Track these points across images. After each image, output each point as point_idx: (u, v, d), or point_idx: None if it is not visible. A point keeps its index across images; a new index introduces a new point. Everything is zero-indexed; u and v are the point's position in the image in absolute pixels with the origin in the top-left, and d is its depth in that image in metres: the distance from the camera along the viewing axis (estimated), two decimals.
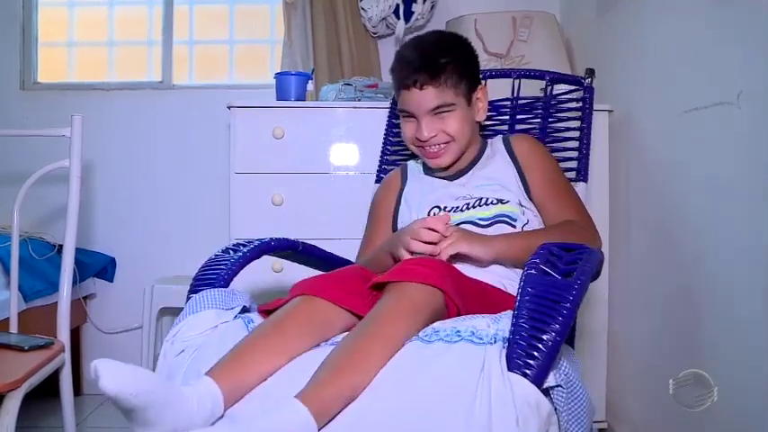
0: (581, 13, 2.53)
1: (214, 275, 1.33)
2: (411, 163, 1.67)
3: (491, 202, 1.44)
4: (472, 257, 1.31)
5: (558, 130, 1.78)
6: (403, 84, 1.43)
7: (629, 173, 2.04)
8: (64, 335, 1.68)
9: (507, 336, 0.98)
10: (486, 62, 2.35)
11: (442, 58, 1.41)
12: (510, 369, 0.94)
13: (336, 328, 1.15)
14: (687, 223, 1.69)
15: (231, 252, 1.40)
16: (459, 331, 1.02)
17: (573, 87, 1.79)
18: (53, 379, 1.61)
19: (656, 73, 1.88)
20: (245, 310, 1.29)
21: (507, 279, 1.33)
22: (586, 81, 1.75)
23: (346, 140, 2.16)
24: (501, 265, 1.35)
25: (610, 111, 2.08)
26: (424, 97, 1.42)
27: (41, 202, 2.48)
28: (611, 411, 2.11)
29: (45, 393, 1.71)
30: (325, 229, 2.07)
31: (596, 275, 1.24)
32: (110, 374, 0.84)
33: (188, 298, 1.28)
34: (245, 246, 1.42)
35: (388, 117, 1.95)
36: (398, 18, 2.58)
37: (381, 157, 1.92)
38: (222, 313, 1.22)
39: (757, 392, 1.37)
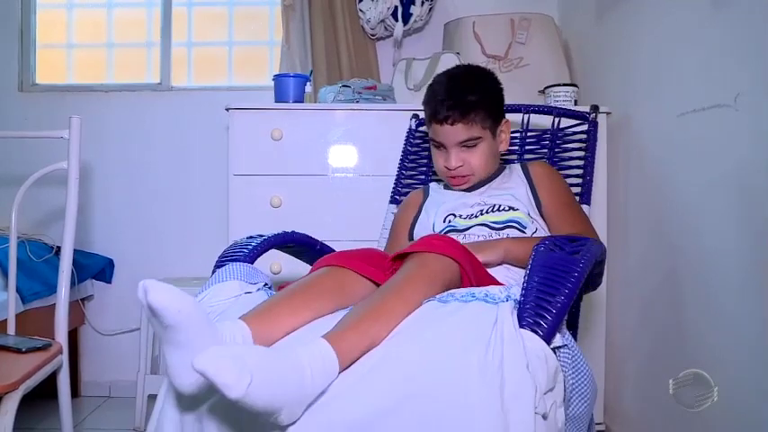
0: (579, 16, 2.53)
1: (240, 252, 1.42)
2: (433, 184, 1.78)
3: (503, 209, 1.54)
4: (487, 263, 1.37)
5: (564, 159, 1.85)
6: (436, 118, 1.55)
7: (627, 174, 2.04)
8: (62, 336, 1.68)
9: (518, 298, 1.05)
10: (484, 64, 2.35)
11: (471, 96, 1.53)
12: (521, 326, 1.00)
13: (359, 295, 1.20)
14: (685, 225, 1.70)
15: (256, 237, 1.50)
16: (473, 293, 1.09)
17: (578, 122, 1.85)
18: (51, 381, 1.61)
19: (654, 75, 1.88)
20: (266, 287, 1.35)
21: (514, 280, 1.36)
22: (591, 116, 1.82)
23: (345, 142, 2.16)
24: (509, 264, 1.41)
25: (608, 113, 2.09)
26: (455, 132, 1.54)
27: (40, 204, 2.48)
28: (609, 413, 2.12)
29: (42, 395, 1.71)
30: (323, 231, 2.05)
31: (597, 283, 1.31)
32: (158, 289, 0.89)
33: (214, 271, 1.35)
34: (265, 235, 1.51)
35: (405, 144, 2.03)
36: (397, 20, 2.59)
37: (396, 179, 1.99)
38: (245, 285, 1.29)
39: (756, 394, 1.38)
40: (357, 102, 2.22)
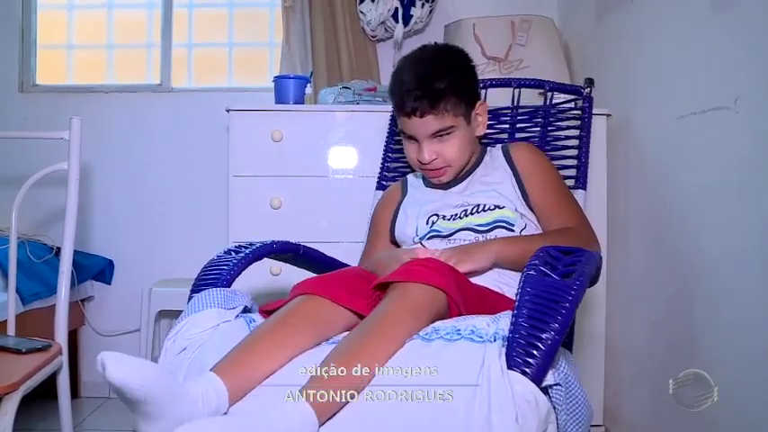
0: (579, 18, 2.53)
1: (216, 275, 1.34)
2: (410, 176, 1.69)
3: (488, 208, 1.45)
4: (477, 270, 1.32)
5: (558, 138, 1.79)
6: (403, 111, 1.44)
7: (627, 177, 2.04)
8: (61, 337, 1.68)
9: (507, 334, 0.99)
10: (484, 66, 2.36)
11: (440, 83, 1.41)
12: (509, 367, 0.95)
13: (338, 327, 1.16)
14: (685, 227, 1.70)
15: (233, 253, 1.41)
16: (459, 330, 1.03)
17: (572, 96, 1.80)
18: (50, 381, 1.61)
19: (654, 77, 1.88)
20: (246, 310, 1.30)
21: (506, 285, 1.34)
22: (585, 90, 1.76)
23: (345, 144, 2.16)
24: (500, 268, 1.36)
25: (608, 115, 2.09)
26: (425, 125, 1.42)
27: (40, 205, 2.48)
28: (608, 415, 2.12)
29: (42, 396, 1.71)
30: (323, 233, 2.08)
31: (595, 279, 1.25)
32: (116, 366, 0.85)
33: (190, 297, 1.30)
34: (246, 247, 1.44)
35: (389, 126, 1.96)
36: (397, 22, 2.59)
37: (382, 164, 1.93)
38: (224, 312, 1.23)
39: (754, 396, 1.38)
40: (357, 103, 2.22)
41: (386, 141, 1.95)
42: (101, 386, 2.73)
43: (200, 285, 1.33)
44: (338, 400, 0.94)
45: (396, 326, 1.05)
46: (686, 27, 1.71)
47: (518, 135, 1.82)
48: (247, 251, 1.41)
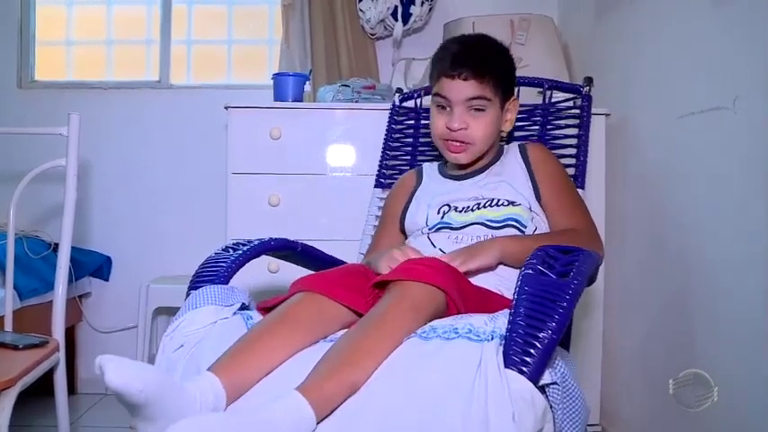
0: (579, 17, 2.53)
1: (214, 272, 1.34)
2: (426, 165, 1.70)
3: (502, 204, 1.46)
4: (484, 267, 1.33)
5: (557, 137, 1.79)
6: (447, 73, 1.46)
7: (625, 176, 2.05)
8: (59, 333, 1.68)
9: (504, 333, 0.99)
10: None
11: (490, 59, 1.48)
12: (506, 366, 0.95)
13: (336, 324, 1.17)
14: (683, 228, 1.70)
15: (231, 250, 1.42)
16: (456, 329, 1.03)
17: (571, 95, 1.80)
18: (48, 378, 1.61)
19: (654, 77, 1.88)
20: (243, 307, 1.30)
21: (506, 288, 1.33)
22: (584, 89, 1.76)
23: (343, 142, 2.16)
24: (504, 265, 1.36)
25: (607, 114, 2.09)
26: (466, 88, 1.45)
27: (38, 201, 2.48)
28: (605, 414, 2.12)
29: (39, 392, 1.70)
30: (321, 231, 2.08)
31: (593, 279, 1.25)
32: (115, 370, 0.85)
33: (187, 294, 1.30)
34: (244, 244, 1.44)
35: (388, 122, 1.96)
36: (396, 20, 2.59)
37: (381, 161, 1.94)
38: (221, 310, 1.23)
39: (751, 396, 1.38)
40: (356, 101, 2.22)
41: (384, 138, 1.95)
42: (98, 383, 2.69)
43: (197, 282, 1.33)
44: (335, 397, 0.94)
45: (394, 324, 1.05)
46: (685, 27, 1.71)
47: (517, 133, 1.81)
48: (245, 248, 1.42)
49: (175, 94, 2.81)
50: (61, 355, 1.64)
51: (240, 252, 1.40)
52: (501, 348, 0.98)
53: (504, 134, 1.60)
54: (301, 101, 2.24)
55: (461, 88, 1.45)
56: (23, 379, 1.39)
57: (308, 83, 2.31)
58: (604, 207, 2.09)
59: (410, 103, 1.97)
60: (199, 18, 2.90)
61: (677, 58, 1.75)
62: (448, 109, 1.48)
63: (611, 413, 2.10)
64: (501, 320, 1.03)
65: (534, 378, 0.95)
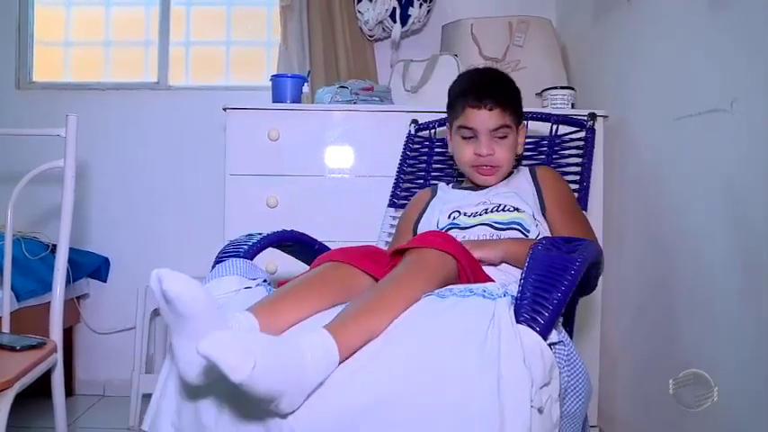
0: (577, 19, 2.54)
1: (239, 250, 1.42)
2: (441, 184, 1.82)
3: (508, 209, 1.56)
4: (486, 261, 1.39)
5: (561, 166, 1.87)
6: (473, 104, 1.59)
7: (623, 178, 2.05)
8: (56, 335, 1.67)
9: (516, 295, 1.07)
10: (482, 66, 2.36)
11: (507, 90, 1.64)
12: (518, 322, 1.01)
13: (359, 290, 1.22)
14: (680, 229, 1.70)
15: (255, 235, 1.50)
16: (471, 289, 1.10)
17: (576, 129, 1.88)
18: (45, 379, 1.60)
19: (651, 79, 1.88)
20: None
21: (509, 283, 1.36)
22: (588, 123, 1.84)
23: (341, 143, 2.17)
24: (508, 263, 1.43)
25: (604, 116, 2.09)
26: (491, 118, 1.59)
27: (35, 202, 2.48)
28: (603, 415, 2.12)
29: (37, 393, 1.70)
30: (319, 232, 2.05)
31: (592, 287, 1.32)
32: (172, 278, 0.92)
33: (213, 267, 1.36)
34: (264, 233, 1.52)
35: (404, 148, 2.05)
36: (395, 21, 2.59)
37: (396, 183, 2.02)
38: (245, 281, 1.29)
39: (748, 398, 1.38)
40: (354, 103, 2.22)
41: (399, 163, 2.04)
42: (95, 384, 2.73)
43: (223, 256, 1.41)
44: (356, 340, 1.00)
45: (410, 283, 1.13)
46: (683, 30, 1.71)
47: (525, 162, 1.89)
48: (269, 233, 1.51)
49: (174, 96, 2.81)
50: (59, 356, 1.64)
51: (264, 235, 1.49)
52: (512, 307, 1.04)
53: (517, 156, 1.71)
54: (299, 102, 2.25)
55: (487, 118, 1.59)
56: (21, 380, 1.39)
57: (306, 84, 2.31)
58: (602, 209, 2.10)
59: (425, 133, 2.06)
60: (197, 19, 2.90)
61: (675, 61, 1.75)
62: (473, 138, 1.62)
63: (608, 414, 2.10)
64: (513, 286, 1.11)
65: (544, 334, 1.01)
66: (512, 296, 1.07)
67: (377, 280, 1.23)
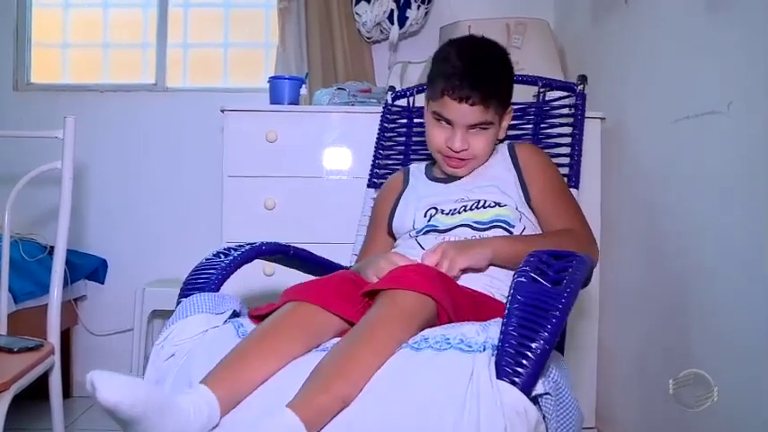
0: (575, 21, 2.54)
1: (204, 279, 1.33)
2: (413, 166, 1.69)
3: (489, 205, 1.45)
4: (473, 268, 1.31)
5: (550, 136, 1.78)
6: (454, 95, 1.42)
7: (620, 180, 2.05)
8: (54, 337, 1.67)
9: (496, 344, 0.98)
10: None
11: (496, 82, 1.45)
12: (499, 377, 0.94)
13: (328, 333, 1.16)
14: (677, 231, 1.70)
15: (222, 256, 1.40)
16: (448, 339, 1.02)
17: (565, 94, 1.79)
18: (42, 381, 1.60)
19: (649, 81, 1.89)
20: (234, 314, 1.28)
21: (497, 290, 1.32)
22: (578, 87, 1.76)
23: (339, 145, 2.17)
24: (496, 266, 1.35)
25: (602, 118, 2.09)
26: (471, 113, 1.43)
27: (33, 204, 2.48)
28: (600, 417, 2.12)
29: (34, 395, 1.70)
30: (317, 234, 2.08)
31: (587, 281, 1.24)
32: (107, 386, 0.84)
33: (178, 302, 1.29)
34: (236, 250, 1.42)
35: (381, 122, 1.95)
36: (392, 23, 2.59)
37: (373, 161, 1.93)
38: (212, 318, 1.22)
39: (745, 399, 1.38)
40: (352, 104, 2.22)
41: (377, 139, 1.94)
42: None
43: (188, 290, 1.31)
44: (327, 411, 0.94)
45: (384, 335, 1.04)
46: (681, 32, 1.72)
47: (510, 132, 1.77)
48: (236, 254, 1.40)
49: (172, 97, 2.81)
50: (56, 358, 1.64)
51: (231, 258, 1.39)
52: (493, 359, 0.96)
53: (498, 140, 1.57)
54: (297, 104, 2.25)
55: (466, 113, 1.43)
56: (18, 382, 1.39)
57: (304, 86, 2.31)
58: (600, 210, 2.09)
59: (402, 102, 1.95)
60: (195, 21, 2.90)
61: (672, 63, 1.75)
62: (448, 126, 1.47)
63: (606, 415, 2.10)
64: (493, 329, 1.02)
65: (527, 389, 0.94)
66: (492, 346, 0.98)
67: (346, 320, 1.16)
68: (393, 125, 1.96)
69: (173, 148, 2.77)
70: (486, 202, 1.45)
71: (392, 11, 2.58)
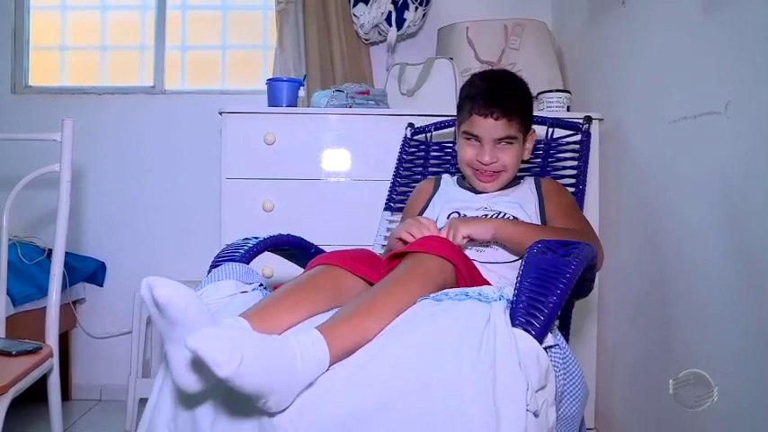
0: (572, 22, 2.55)
1: (236, 254, 1.41)
2: (445, 175, 1.80)
3: (507, 217, 1.55)
4: (475, 238, 1.41)
5: (557, 169, 1.87)
6: (480, 111, 1.57)
7: (619, 181, 2.05)
8: (52, 339, 1.67)
9: (511, 298, 1.06)
10: (477, 69, 2.36)
11: (518, 99, 1.61)
12: (513, 325, 1.01)
13: (353, 294, 1.22)
14: (676, 232, 1.71)
15: (252, 239, 1.50)
16: (467, 293, 1.10)
17: (571, 132, 1.86)
18: (41, 384, 1.60)
19: (646, 82, 1.89)
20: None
21: (507, 281, 1.37)
22: (584, 127, 1.83)
23: (337, 147, 2.17)
24: (500, 247, 1.45)
25: (600, 119, 2.09)
26: (496, 128, 1.57)
27: (31, 207, 2.48)
28: (600, 417, 2.12)
29: (33, 398, 1.70)
30: (315, 236, 2.05)
31: (588, 289, 1.31)
32: (163, 285, 0.93)
33: (209, 271, 1.36)
34: (261, 237, 1.52)
35: (400, 152, 2.03)
36: (390, 25, 2.59)
37: (392, 187, 2.01)
38: (241, 285, 1.29)
39: (743, 399, 1.38)
40: (350, 106, 2.22)
41: (395, 166, 2.03)
42: (92, 389, 2.73)
43: (220, 260, 1.40)
44: (348, 339, 1.00)
45: (406, 286, 1.13)
46: (678, 32, 1.72)
47: (523, 165, 1.86)
48: (265, 236, 1.51)
49: (170, 100, 2.81)
50: (55, 361, 1.64)
51: (260, 239, 1.48)
52: (508, 310, 1.04)
53: (523, 161, 1.70)
54: (295, 106, 2.25)
55: (492, 127, 1.57)
56: (17, 385, 1.39)
57: (302, 88, 2.31)
58: (598, 210, 2.10)
59: (421, 137, 2.05)
60: (193, 24, 2.90)
61: (670, 63, 1.76)
62: (477, 142, 1.60)
63: (606, 416, 2.10)
64: (508, 289, 1.10)
65: (539, 338, 1.00)
66: (507, 299, 1.06)
67: (371, 284, 1.23)
68: (411, 157, 2.06)
69: (171, 150, 2.77)
70: (505, 214, 1.56)
71: (390, 12, 2.58)
